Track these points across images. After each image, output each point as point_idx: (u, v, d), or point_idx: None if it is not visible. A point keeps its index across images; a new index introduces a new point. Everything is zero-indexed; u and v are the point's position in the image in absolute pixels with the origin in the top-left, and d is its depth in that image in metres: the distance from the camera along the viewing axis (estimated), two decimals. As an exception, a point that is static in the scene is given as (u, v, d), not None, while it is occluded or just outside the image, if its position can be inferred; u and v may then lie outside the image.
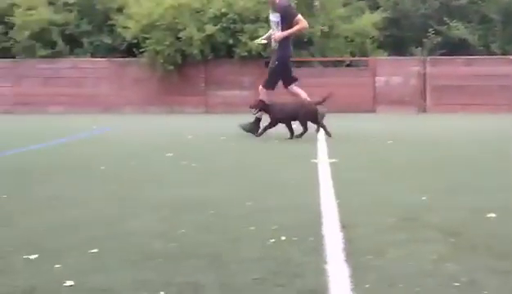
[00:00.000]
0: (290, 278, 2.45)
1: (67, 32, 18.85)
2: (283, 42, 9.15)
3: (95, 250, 2.83)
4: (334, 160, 6.11)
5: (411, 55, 19.03)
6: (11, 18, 18.59)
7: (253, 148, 7.78)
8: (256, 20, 18.17)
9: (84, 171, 5.63)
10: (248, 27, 18.04)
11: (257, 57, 18.20)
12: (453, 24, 19.11)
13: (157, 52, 17.88)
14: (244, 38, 17.95)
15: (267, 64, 18.69)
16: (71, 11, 18.90)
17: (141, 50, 18.26)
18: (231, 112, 18.07)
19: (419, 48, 19.26)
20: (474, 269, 2.56)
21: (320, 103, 9.09)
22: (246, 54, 17.99)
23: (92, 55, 19.11)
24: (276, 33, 9.09)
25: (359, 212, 3.69)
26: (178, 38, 17.87)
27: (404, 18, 20.42)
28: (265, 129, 8.96)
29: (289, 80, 9.40)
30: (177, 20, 17.87)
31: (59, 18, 18.60)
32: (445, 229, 3.24)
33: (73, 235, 3.13)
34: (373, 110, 17.69)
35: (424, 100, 17.88)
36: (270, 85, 9.32)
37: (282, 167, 5.81)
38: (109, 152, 7.26)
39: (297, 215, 3.63)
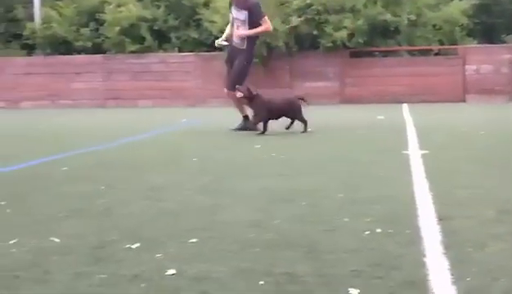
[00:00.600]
0: (388, 270, 2.43)
1: (155, 27, 19.28)
2: (251, 41, 8.86)
3: (194, 239, 2.89)
4: (425, 151, 6.00)
5: (502, 42, 18.40)
6: (101, 15, 19.19)
7: (341, 139, 7.73)
8: (341, 10, 18.02)
9: (177, 163, 5.76)
10: (332, 18, 17.92)
11: (342, 48, 18.07)
12: (548, 8, 18.38)
13: (242, 45, 18.03)
14: (328, 29, 17.84)
15: (352, 54, 18.61)
16: (159, 7, 19.30)
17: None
18: (316, 103, 18.03)
19: (511, 35, 18.60)
20: None
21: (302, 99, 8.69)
22: (331, 45, 17.88)
23: (180, 50, 19.48)
24: (242, 31, 8.72)
25: (455, 204, 3.61)
26: (263, 31, 17.95)
27: (494, 4, 19.79)
28: (262, 124, 8.36)
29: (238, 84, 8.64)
30: (262, 13, 17.97)
31: (147, 14, 19.03)
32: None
33: (171, 225, 3.21)
34: (463, 100, 17.22)
35: (517, 89, 17.27)
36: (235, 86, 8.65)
37: (372, 159, 5.75)
38: (199, 144, 7.39)
39: (391, 207, 3.59)
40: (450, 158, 5.63)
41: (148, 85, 19.04)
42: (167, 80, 19.23)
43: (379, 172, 4.91)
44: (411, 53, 18.66)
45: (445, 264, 2.49)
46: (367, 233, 3.00)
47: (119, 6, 19.13)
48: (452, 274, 2.35)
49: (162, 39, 19.55)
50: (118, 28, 18.99)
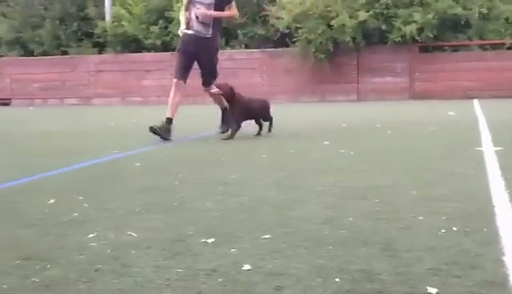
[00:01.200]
0: (466, 269, 2.38)
1: (223, 25, 19.47)
2: (217, 26, 7.93)
3: (268, 235, 2.91)
4: (499, 148, 5.85)
5: None
6: (170, 13, 19.48)
7: (412, 136, 7.62)
8: (410, 4, 17.76)
9: (247, 158, 5.80)
10: (401, 12, 17.67)
11: (411, 42, 17.79)
12: None
13: (309, 41, 18.02)
14: (398, 23, 17.61)
15: (421, 48, 18.29)
16: (226, 4, 19.49)
17: (293, 39, 18.47)
18: (384, 99, 17.84)
19: None
20: None
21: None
22: (400, 39, 17.65)
23: (247, 47, 19.59)
24: (205, 11, 7.71)
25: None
26: (330, 26, 17.89)
27: None
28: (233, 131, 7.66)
29: (186, 75, 7.93)
30: (329, 8, 17.87)
31: (214, 11, 19.23)
32: None
33: (245, 221, 3.23)
34: (536, 95, 16.70)
35: None
36: (213, 79, 7.97)
37: (445, 155, 5.65)
38: (267, 140, 7.42)
39: (466, 205, 3.52)
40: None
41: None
42: (234, 76, 19.36)
43: (452, 169, 4.81)
44: (483, 47, 18.21)
45: (526, 263, 2.42)
46: (443, 231, 2.95)
47: (187, 3, 19.35)
48: (534, 275, 2.29)
49: (229, 36, 19.71)
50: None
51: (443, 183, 4.23)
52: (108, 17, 20.87)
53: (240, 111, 7.59)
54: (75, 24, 21.60)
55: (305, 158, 5.71)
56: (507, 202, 3.55)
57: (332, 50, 17.98)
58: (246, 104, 7.67)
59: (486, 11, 17.69)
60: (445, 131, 8.02)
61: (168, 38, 19.77)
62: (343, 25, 17.53)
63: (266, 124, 8.01)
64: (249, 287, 2.24)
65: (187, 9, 7.91)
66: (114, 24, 20.46)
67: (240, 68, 19.24)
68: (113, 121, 11.92)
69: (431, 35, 17.50)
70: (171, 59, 19.66)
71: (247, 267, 2.46)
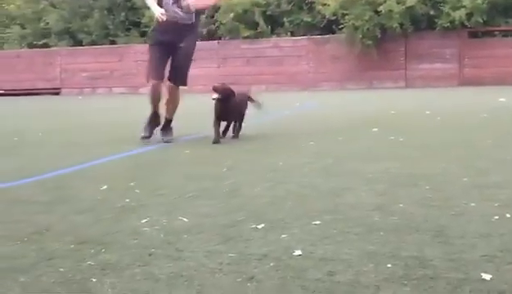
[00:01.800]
0: (522, 255, 2.35)
1: (268, 12, 19.43)
2: (198, 14, 6.57)
3: (317, 222, 2.91)
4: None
5: None
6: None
7: (463, 123, 7.50)
8: (459, -12, 17.41)
9: (295, 146, 5.80)
10: (451, -4, 17.35)
11: (460, 28, 17.48)
12: None
13: (356, 28, 17.86)
14: (446, 8, 17.32)
15: (470, 34, 17.93)
16: (272, -8, 19.44)
17: (339, 26, 18.33)
18: (432, 86, 17.58)
19: None
20: None
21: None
22: (449, 25, 17.35)
23: (292, 34, 19.53)
24: (196, 1, 6.29)
25: None
26: (377, 12, 17.70)
27: None
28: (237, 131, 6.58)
29: (162, 72, 6.54)
30: (376, -6, 17.67)
31: (261, -1, 19.23)
32: None
33: (294, 207, 3.24)
34: None
35: None
36: (184, 78, 6.63)
37: (497, 142, 5.55)
38: (315, 128, 7.40)
39: (520, 191, 3.46)
40: None
41: (261, 70, 19.23)
42: (280, 65, 19.34)
43: (504, 156, 4.73)
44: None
45: None
46: (496, 218, 2.91)
47: (233, -8, 19.41)
48: None
49: (275, 24, 19.68)
50: (232, 15, 19.28)
51: (496, 170, 4.16)
52: (155, 6, 21.08)
53: (241, 109, 6.54)
54: (123, 13, 21.85)
55: (353, 145, 5.68)
56: (562, 189, 3.47)
57: (379, 36, 17.78)
58: (243, 99, 6.62)
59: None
60: (496, 117, 7.87)
61: (213, 26, 19.84)
62: (391, 11, 17.31)
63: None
64: (301, 272, 2.25)
65: None
66: (161, 13, 20.67)
67: (286, 55, 19.20)
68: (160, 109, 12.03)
69: (481, 20, 17.14)
70: (217, 47, 19.78)
71: (298, 252, 2.47)
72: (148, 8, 6.63)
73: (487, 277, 2.14)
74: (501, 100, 11.10)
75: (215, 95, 6.16)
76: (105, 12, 22.11)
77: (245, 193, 3.64)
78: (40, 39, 22.93)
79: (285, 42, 19.28)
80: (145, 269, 2.34)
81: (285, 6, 19.23)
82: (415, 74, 18.23)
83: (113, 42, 21.83)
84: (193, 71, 22.19)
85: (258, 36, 19.41)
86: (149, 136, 6.46)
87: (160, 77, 6.44)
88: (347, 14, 17.92)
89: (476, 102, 11.13)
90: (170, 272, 2.30)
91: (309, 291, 2.08)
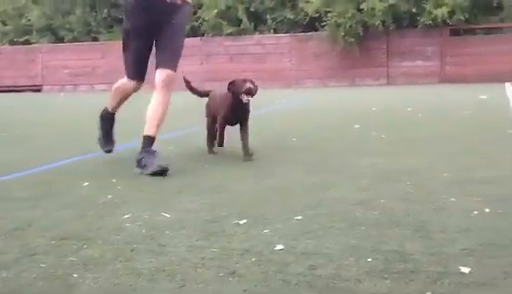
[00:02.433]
0: (500, 249, 2.38)
1: (251, 9, 19.43)
2: None
3: (300, 217, 2.93)
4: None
5: None
6: (200, -3, 19.52)
7: (444, 119, 7.55)
8: (441, -14, 17.52)
9: (278, 142, 5.82)
10: (432, -6, 17.46)
11: (442, 25, 17.59)
12: None
13: (338, 25, 17.91)
14: (428, 6, 17.41)
15: (452, 32, 18.06)
16: (255, -11, 19.44)
17: (322, 24, 18.38)
18: (414, 83, 17.68)
19: None
20: None
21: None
22: (431, 22, 17.45)
23: (275, 31, 19.54)
24: None
25: None
26: (360, 10, 17.76)
27: None
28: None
29: (144, 70, 4.89)
30: (358, -8, 17.74)
31: (244, -5, 19.22)
32: None
33: (277, 203, 3.26)
34: None
35: None
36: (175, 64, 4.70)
37: (477, 139, 5.60)
38: (297, 124, 7.43)
39: (499, 187, 3.50)
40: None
41: (244, 67, 19.24)
42: (263, 62, 19.36)
43: (484, 152, 4.78)
44: (512, 30, 17.93)
45: (561, 245, 2.41)
46: (476, 212, 2.94)
47: (215, -11, 19.42)
48: None
49: (258, 21, 19.69)
50: (215, 11, 19.26)
51: (476, 166, 4.21)
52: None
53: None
54: (105, 10, 21.74)
55: (336, 142, 5.71)
56: None
57: (362, 33, 17.86)
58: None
59: (519, -8, 17.40)
60: (477, 114, 7.94)
61: (196, 23, 19.80)
62: (373, 8, 17.39)
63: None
64: (283, 267, 2.26)
65: None
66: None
67: (269, 53, 19.22)
68: (144, 107, 11.99)
69: (462, 18, 17.27)
70: (200, 44, 19.74)
71: (280, 247, 2.48)
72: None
73: (466, 270, 2.17)
74: (482, 97, 11.20)
75: (248, 98, 4.70)
76: (88, 9, 21.98)
77: (228, 189, 3.65)
78: (22, 36, 22.76)
79: (268, 39, 19.30)
80: (127, 265, 2.34)
81: (268, 3, 19.24)
82: (397, 71, 18.33)
83: (95, 39, 21.71)
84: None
85: (241, 33, 19.41)
86: (113, 147, 5.08)
87: (141, 76, 4.81)
88: (329, 11, 17.97)
89: (457, 99, 11.22)
90: (152, 267, 2.30)
91: (290, 285, 2.09)
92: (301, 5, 18.69)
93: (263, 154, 4.97)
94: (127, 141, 6.16)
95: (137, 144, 4.61)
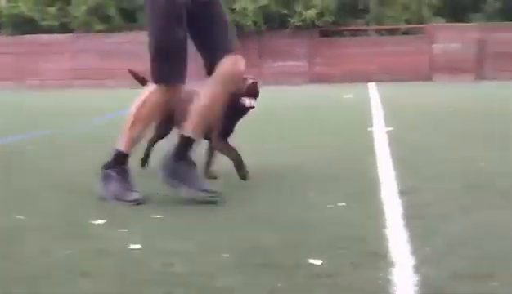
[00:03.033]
0: (350, 241, 2.48)
1: (122, 6, 19.11)
2: None
3: (159, 216, 2.92)
4: (390, 128, 6.08)
5: (470, 21, 18.60)
6: (68, -7, 18.96)
7: (302, 118, 7.78)
8: (309, -12, 18.02)
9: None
10: (302, -4, 17.93)
11: (311, 27, 18.10)
12: (514, -12, 18.61)
13: (211, 24, 17.96)
14: (299, 8, 17.86)
15: (321, 33, 18.67)
16: (126, -14, 19.15)
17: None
18: (285, 83, 18.09)
19: (478, 14, 18.80)
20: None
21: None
22: (301, 24, 17.91)
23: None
24: None
25: (418, 179, 3.68)
26: (232, 10, 17.93)
27: (462, -17, 19.95)
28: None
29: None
30: (230, -9, 17.91)
31: (115, -8, 18.88)
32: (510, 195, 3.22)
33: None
34: (430, 78, 17.43)
35: (483, 67, 17.50)
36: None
37: (337, 136, 5.82)
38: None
39: (355, 182, 3.65)
40: (414, 135, 5.72)
41: (115, 65, 18.87)
42: (134, 59, 19.05)
43: (342, 149, 4.97)
44: (380, 32, 18.79)
45: (405, 235, 2.55)
46: (330, 206, 3.05)
47: (86, -16, 18.95)
48: (412, 246, 2.41)
49: (129, 18, 19.40)
50: (85, 8, 18.77)
51: (334, 162, 4.36)
52: (3, -2, 20.06)
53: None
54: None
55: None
56: (393, 179, 3.70)
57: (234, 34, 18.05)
58: None
59: (383, -3, 18.26)
60: (340, 112, 8.26)
61: (66, 20, 19.21)
62: (245, 9, 17.62)
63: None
64: (139, 266, 2.24)
65: None
66: (10, 4, 19.68)
67: (141, 51, 18.99)
68: (7, 104, 11.51)
69: (330, 20, 17.87)
70: (70, 41, 19.16)
71: (137, 246, 2.46)
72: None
73: (317, 262, 2.24)
74: (347, 96, 11.65)
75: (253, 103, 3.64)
76: None
77: (86, 190, 3.56)
78: None
79: (140, 36, 19.05)
80: (-27, 270, 2.23)
81: (140, 1, 19.01)
82: (269, 72, 18.67)
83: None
84: (44, 65, 21.25)
85: (113, 30, 19.04)
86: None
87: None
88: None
89: (323, 98, 11.61)
90: (4, 274, 2.20)
91: (147, 284, 2.07)
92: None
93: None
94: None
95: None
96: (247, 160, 3.65)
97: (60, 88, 17.51)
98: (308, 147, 5.15)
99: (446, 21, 18.63)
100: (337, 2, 17.74)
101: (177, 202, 3.16)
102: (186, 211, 2.99)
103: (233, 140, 3.74)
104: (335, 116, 7.88)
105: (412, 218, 2.80)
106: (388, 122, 6.58)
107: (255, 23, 17.88)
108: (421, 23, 18.43)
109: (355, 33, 18.92)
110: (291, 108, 9.03)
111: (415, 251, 2.33)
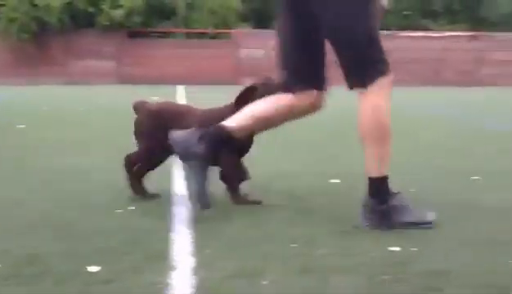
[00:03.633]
0: (135, 245, 2.46)
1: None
2: None
3: None
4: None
5: (274, 28, 19.46)
6: None
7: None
8: (116, -13, 17.79)
9: None
10: (109, -5, 17.65)
11: (119, 27, 17.86)
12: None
13: (11, 20, 17.10)
14: (105, 7, 17.54)
15: (130, 34, 18.45)
16: None
17: (-5, 17, 17.39)
18: (92, 83, 17.65)
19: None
20: (313, 230, 2.69)
21: None
22: (108, 23, 17.60)
23: None
24: None
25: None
26: (35, 5, 17.18)
27: (268, -10, 20.78)
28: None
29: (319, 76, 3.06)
30: (33, -14, 17.17)
31: None
32: (292, 195, 3.38)
33: None
34: (236, 83, 17.92)
35: (286, 73, 18.35)
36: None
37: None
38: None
39: (146, 185, 3.62)
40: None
41: None
42: None
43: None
44: (188, 36, 19.02)
45: (189, 238, 2.58)
46: (120, 211, 3.01)
47: None
48: (194, 247, 2.45)
49: None
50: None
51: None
52: None
53: None
54: None
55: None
56: (180, 184, 3.72)
57: (37, 30, 17.27)
58: None
59: (190, 1, 18.45)
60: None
61: None
62: (49, 5, 16.94)
63: None
64: None
65: None
66: None
67: None
68: None
69: (138, 21, 17.75)
70: None
71: None
72: None
73: (95, 269, 2.19)
74: (154, 98, 11.60)
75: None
76: None
77: None
78: None
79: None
80: None
81: None
82: (75, 71, 18.13)
83: None
84: None
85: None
86: None
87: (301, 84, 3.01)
88: (3, 5, 17.05)
89: (129, 99, 11.46)
90: None
91: None
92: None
93: None
94: None
95: None
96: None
97: None
98: (91, 151, 5.05)
99: (252, 28, 19.31)
100: (145, 3, 17.65)
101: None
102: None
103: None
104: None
105: (198, 220, 2.84)
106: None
107: (60, 20, 17.26)
108: (228, 28, 18.91)
109: (163, 34, 18.97)
110: (98, 109, 8.82)
111: (196, 254, 2.37)
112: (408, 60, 18.35)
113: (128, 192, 3.32)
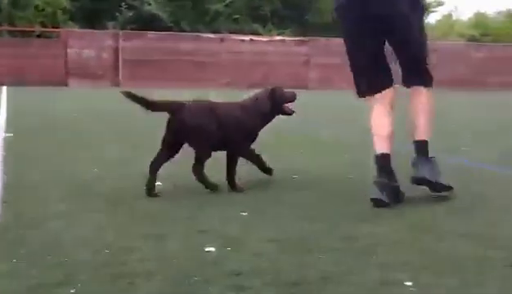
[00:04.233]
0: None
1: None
2: None
3: None
4: (10, 134, 5.86)
5: (104, 28, 19.03)
6: None
7: None
8: None
9: None
10: None
11: None
12: (145, -1, 19.63)
13: None
14: None
15: None
16: None
17: None
18: None
19: (113, 22, 19.37)
20: (130, 235, 2.65)
21: None
22: None
23: None
24: None
25: (26, 187, 3.58)
26: None
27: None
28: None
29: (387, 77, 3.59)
30: None
31: None
32: (111, 199, 3.31)
33: None
34: (65, 83, 17.34)
35: (118, 74, 18.01)
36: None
37: None
38: None
39: None
40: (33, 142, 5.59)
41: None
42: None
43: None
44: (13, 34, 18.12)
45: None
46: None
47: None
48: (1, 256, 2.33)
49: None
50: None
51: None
52: None
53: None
54: None
55: None
56: (1, 185, 3.55)
57: None
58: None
59: (15, -2, 17.62)
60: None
61: None
62: None
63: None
64: None
65: None
66: None
67: None
68: None
69: None
70: None
71: None
72: None
73: None
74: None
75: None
76: None
77: None
78: None
79: None
80: None
81: None
82: None
83: None
84: None
85: None
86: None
87: (375, 88, 3.49)
88: None
89: None
90: None
91: None
92: None
93: None
94: None
95: None
96: None
97: None
98: None
99: (81, 27, 18.78)
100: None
101: None
102: None
103: None
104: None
105: (10, 227, 2.73)
106: (9, 128, 6.32)
107: None
108: (56, 27, 18.24)
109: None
110: None
111: (3, 262, 2.26)
112: (238, 62, 18.81)
113: None
